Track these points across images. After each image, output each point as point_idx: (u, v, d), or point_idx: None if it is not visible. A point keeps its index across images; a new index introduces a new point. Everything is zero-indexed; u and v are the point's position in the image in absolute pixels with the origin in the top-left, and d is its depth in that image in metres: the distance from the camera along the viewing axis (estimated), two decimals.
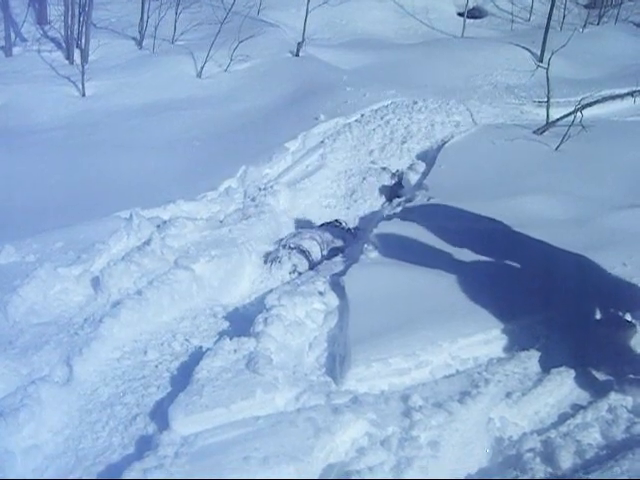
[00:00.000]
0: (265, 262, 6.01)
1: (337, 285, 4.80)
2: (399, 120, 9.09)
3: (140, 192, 7.34)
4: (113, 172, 8.08)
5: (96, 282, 5.23)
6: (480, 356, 4.05)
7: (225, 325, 4.91)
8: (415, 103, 9.62)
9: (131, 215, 6.07)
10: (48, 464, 3.64)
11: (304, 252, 6.05)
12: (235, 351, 4.03)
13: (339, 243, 6.54)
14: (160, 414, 3.77)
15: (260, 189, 7.75)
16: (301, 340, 4.31)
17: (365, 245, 5.37)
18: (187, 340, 4.66)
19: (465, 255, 4.92)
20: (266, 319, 4.27)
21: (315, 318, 4.50)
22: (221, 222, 6.67)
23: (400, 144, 8.62)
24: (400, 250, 5.14)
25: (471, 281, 4.57)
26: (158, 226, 6.11)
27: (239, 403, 3.57)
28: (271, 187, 7.72)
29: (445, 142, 8.27)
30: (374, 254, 5.16)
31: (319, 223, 7.13)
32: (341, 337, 4.25)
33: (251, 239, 6.16)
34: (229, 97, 11.35)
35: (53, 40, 13.74)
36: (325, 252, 6.30)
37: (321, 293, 4.72)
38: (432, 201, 6.37)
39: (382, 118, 9.22)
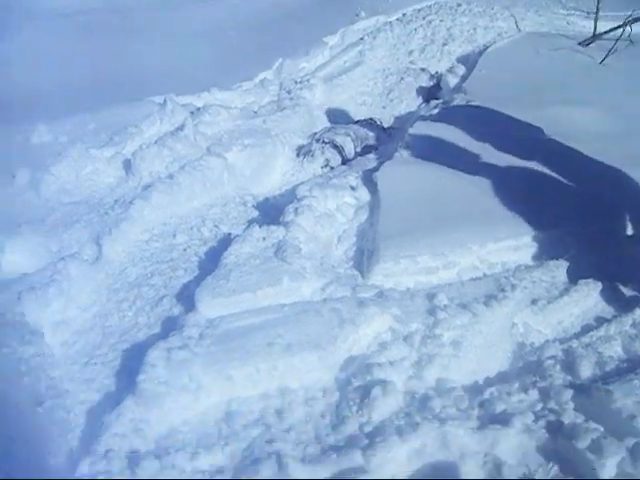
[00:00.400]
0: (298, 155, 5.95)
1: (369, 181, 4.75)
2: (441, 22, 8.83)
3: (175, 79, 7.23)
4: (149, 57, 7.96)
5: (128, 164, 5.23)
6: (508, 262, 4.03)
7: (255, 214, 4.89)
8: (459, 5, 9.31)
9: (165, 100, 6.00)
10: (75, 339, 3.71)
11: (337, 147, 5.97)
12: (264, 239, 4.04)
13: (373, 141, 6.45)
14: (187, 296, 3.81)
15: (296, 82, 7.63)
16: (330, 232, 4.30)
17: (400, 143, 5.29)
18: (216, 226, 4.67)
19: (502, 160, 4.85)
20: (296, 209, 4.25)
21: (345, 212, 4.48)
22: (255, 113, 6.60)
23: (441, 46, 8.39)
24: (435, 151, 5.06)
25: (506, 187, 4.50)
26: (192, 113, 6.05)
27: (265, 289, 3.59)
28: (307, 81, 7.59)
29: (487, 47, 8.04)
30: (408, 153, 5.09)
31: (354, 120, 7.01)
32: (370, 232, 4.24)
33: (285, 131, 6.09)
34: None
35: None
36: (359, 149, 6.22)
37: (353, 188, 4.69)
38: (471, 104, 6.24)
39: (424, 18, 8.96)
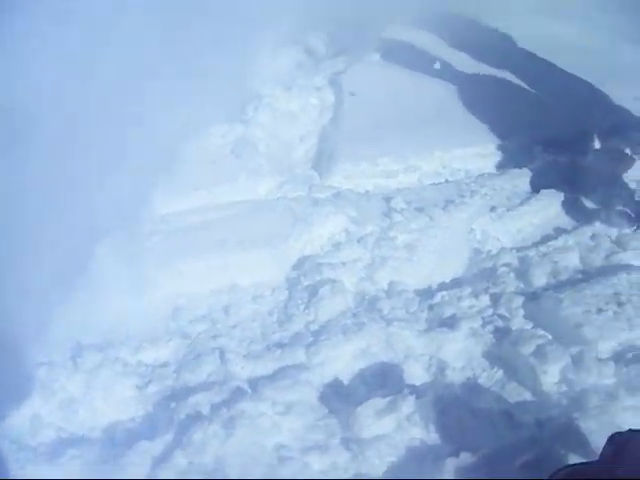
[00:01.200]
0: None
1: (336, 83, 4.64)
2: None
3: None
4: None
5: None
6: (472, 169, 4.01)
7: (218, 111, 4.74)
8: None
9: None
10: None
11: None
12: (222, 136, 3.94)
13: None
14: (142, 193, 3.71)
15: None
16: (292, 132, 4.22)
17: (369, 46, 5.15)
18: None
19: (473, 68, 4.77)
20: (257, 107, 4.14)
21: (310, 112, 4.39)
22: None
23: None
24: (406, 55, 4.96)
25: (477, 95, 4.43)
26: None
27: (221, 187, 3.53)
28: None
29: None
30: (378, 56, 4.97)
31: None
32: (333, 133, 4.16)
33: None
34: None
35: None
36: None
37: (318, 89, 4.57)
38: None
39: None
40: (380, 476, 2.26)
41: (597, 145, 4.15)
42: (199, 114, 4.38)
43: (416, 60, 4.83)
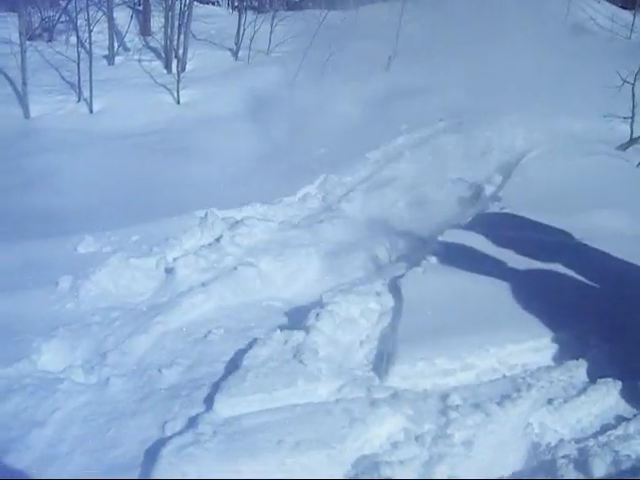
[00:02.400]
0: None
1: (395, 287, 4.88)
2: (481, 132, 9.09)
3: (219, 194, 7.60)
4: (197, 174, 8.42)
5: (165, 273, 5.48)
6: (529, 363, 4.08)
7: (282, 319, 5.02)
8: (498, 116, 9.60)
9: (206, 214, 6.31)
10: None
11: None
12: (285, 342, 4.17)
13: (408, 250, 6.61)
14: (207, 394, 3.93)
15: (338, 196, 7.88)
16: (352, 337, 4.40)
17: (428, 250, 5.43)
18: (243, 329, 4.80)
19: (525, 264, 4.97)
20: (318, 314, 4.38)
21: (369, 317, 4.60)
22: (294, 226, 6.83)
23: (479, 156, 8.62)
24: (461, 257, 5.20)
25: (527, 289, 4.59)
26: (231, 225, 6.32)
27: (281, 390, 3.70)
28: (348, 194, 7.84)
29: (524, 156, 8.23)
30: (435, 259, 5.22)
31: (390, 230, 7.18)
32: (391, 335, 4.33)
33: (320, 241, 6.28)
34: (318, 107, 11.52)
35: (153, 50, 14.40)
36: (394, 257, 6.37)
37: (378, 294, 4.81)
38: (503, 211, 6.39)
39: (464, 131, 9.24)
40: None
41: None
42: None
43: (470, 261, 5.05)
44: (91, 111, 11.51)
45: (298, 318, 4.74)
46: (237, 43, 14.01)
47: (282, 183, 8.13)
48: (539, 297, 4.49)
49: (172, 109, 11.82)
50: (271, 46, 13.99)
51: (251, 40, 13.59)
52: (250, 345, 4.29)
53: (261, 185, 8.03)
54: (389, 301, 4.75)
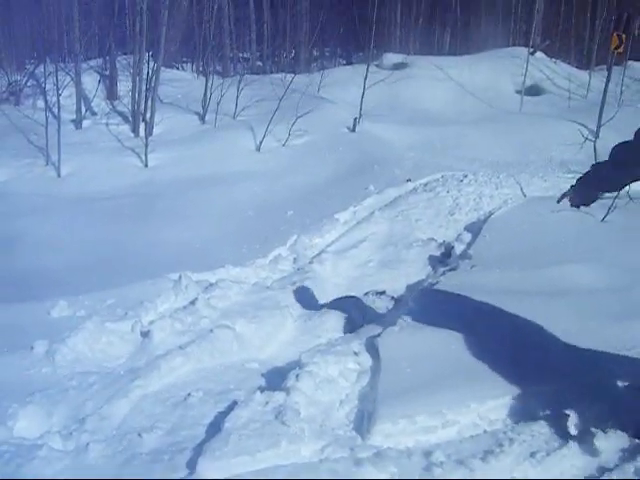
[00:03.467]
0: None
1: (372, 346, 4.91)
2: (448, 192, 9.28)
3: (191, 257, 7.61)
4: (168, 238, 8.41)
5: (141, 337, 5.43)
6: (509, 417, 4.09)
7: (260, 380, 5.00)
8: (465, 176, 9.81)
9: (180, 277, 6.31)
10: None
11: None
12: (266, 403, 4.15)
13: (382, 310, 6.65)
14: (189, 458, 3.89)
15: (309, 257, 7.94)
16: (332, 397, 4.39)
17: (402, 309, 5.48)
18: (220, 392, 4.76)
19: (499, 320, 5.02)
20: (298, 375, 4.38)
21: (348, 376, 4.60)
22: (267, 287, 6.87)
23: (448, 215, 8.76)
24: (435, 315, 5.24)
25: (503, 344, 4.64)
26: (205, 288, 6.32)
27: (264, 452, 3.67)
28: (319, 255, 7.90)
29: (492, 214, 8.39)
30: (410, 318, 5.26)
31: (364, 292, 7.24)
32: (371, 394, 4.34)
33: (294, 303, 6.31)
34: (286, 171, 11.70)
35: (120, 114, 14.47)
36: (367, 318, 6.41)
37: (356, 353, 4.83)
38: (473, 270, 6.49)
39: (432, 190, 9.42)
40: None
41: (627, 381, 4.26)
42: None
43: (444, 319, 5.09)
44: (59, 175, 11.46)
45: (276, 379, 4.73)
46: (204, 107, 14.12)
47: (253, 245, 8.18)
48: (516, 352, 4.54)
49: (140, 172, 11.82)
50: (237, 110, 14.12)
51: (218, 104, 13.71)
52: (230, 407, 4.27)
53: (233, 247, 8.07)
54: (367, 360, 4.77)
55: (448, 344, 4.73)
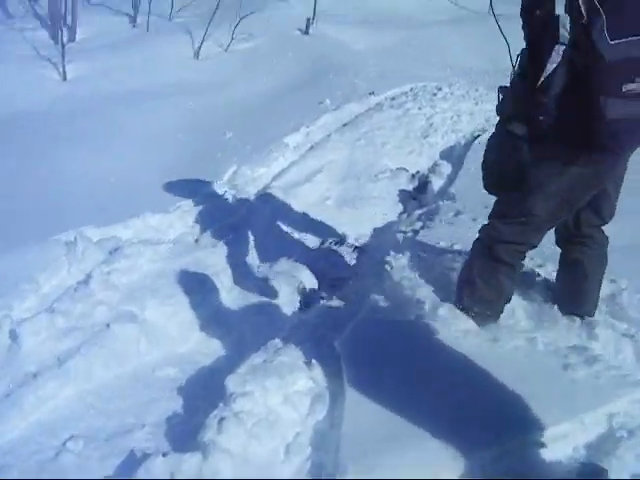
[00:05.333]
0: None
1: (330, 353, 3.47)
2: (420, 109, 7.70)
3: (101, 199, 6.00)
4: (79, 171, 6.74)
5: (10, 340, 3.85)
6: None
7: (177, 402, 3.54)
8: (439, 89, 8.22)
9: (75, 239, 4.72)
10: None
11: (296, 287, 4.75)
12: (171, 475, 2.70)
13: (342, 270, 5.22)
14: None
15: (251, 195, 6.41)
16: (274, 444, 2.97)
17: (372, 292, 4.04)
18: (113, 437, 3.26)
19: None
20: (221, 420, 2.91)
21: (297, 405, 3.16)
22: (196, 242, 5.34)
23: (421, 138, 7.21)
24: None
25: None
26: (110, 253, 4.76)
27: None
28: (264, 192, 6.37)
29: (475, 137, 6.89)
30: (386, 304, 3.83)
31: (319, 241, 5.78)
32: (331, 438, 2.94)
33: (226, 267, 4.83)
34: (227, 81, 9.95)
35: (39, 17, 12.49)
36: (323, 285, 4.99)
37: (307, 364, 3.38)
38: (459, 218, 5.05)
39: (400, 107, 7.82)
40: None
41: None
42: None
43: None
44: None
45: (198, 395, 3.34)
46: (135, 7, 12.26)
47: (180, 180, 6.60)
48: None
49: (58, 87, 10.00)
50: (173, 10, 12.32)
51: (150, 3, 11.84)
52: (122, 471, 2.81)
53: (154, 184, 6.46)
54: (323, 376, 3.33)
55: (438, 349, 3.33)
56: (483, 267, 3.36)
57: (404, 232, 5.24)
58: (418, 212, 5.64)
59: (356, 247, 5.70)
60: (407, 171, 6.73)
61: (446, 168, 6.34)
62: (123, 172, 6.89)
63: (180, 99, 9.22)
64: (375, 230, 6.00)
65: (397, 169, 6.77)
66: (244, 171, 6.80)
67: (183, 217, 5.77)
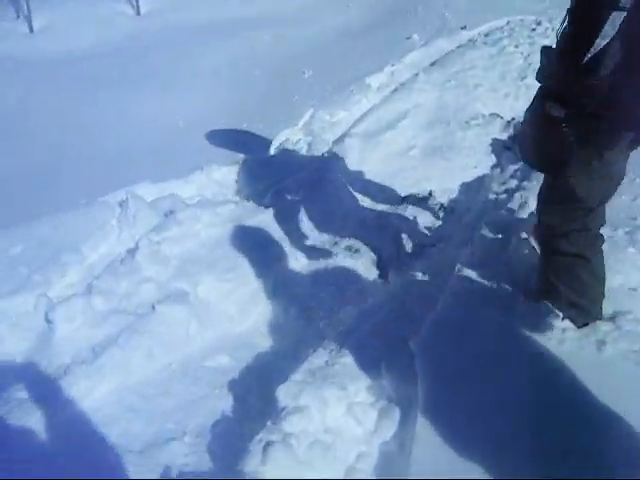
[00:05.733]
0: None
1: (403, 354, 2.92)
2: (516, 47, 6.87)
3: (163, 152, 5.53)
4: (143, 119, 6.30)
5: (46, 322, 3.43)
6: None
7: (226, 401, 3.09)
8: (538, 23, 7.33)
9: (127, 199, 4.26)
10: None
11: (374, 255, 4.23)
12: None
13: (426, 234, 4.64)
14: None
15: (328, 143, 5.84)
16: (331, 471, 2.48)
17: (460, 267, 3.44)
18: (151, 446, 2.84)
19: None
20: (267, 447, 2.42)
21: (361, 419, 2.66)
22: (261, 207, 4.79)
23: (518, 80, 6.43)
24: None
25: None
26: (165, 215, 4.29)
27: None
28: (342, 140, 5.79)
29: None
30: (473, 286, 3.25)
31: (400, 196, 5.20)
32: (399, 464, 2.44)
33: (296, 230, 4.32)
34: (305, 15, 9.25)
35: None
36: (405, 251, 4.42)
37: (375, 368, 2.86)
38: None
39: (495, 44, 7.02)
40: None
41: None
42: None
43: None
44: (31, 30, 9.28)
45: (251, 386, 2.88)
46: None
47: (251, 126, 6.08)
48: None
49: (130, 22, 9.56)
50: None
51: None
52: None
53: (223, 130, 5.96)
54: (394, 380, 2.81)
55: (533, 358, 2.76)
56: (556, 268, 2.76)
57: (497, 193, 4.60)
58: (513, 167, 4.96)
59: (442, 206, 5.09)
60: (502, 118, 6.00)
61: None
62: (191, 115, 6.42)
63: (255, 34, 8.62)
64: (465, 186, 5.35)
65: (490, 115, 6.05)
66: (322, 115, 6.22)
67: (252, 170, 5.26)
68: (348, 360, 2.87)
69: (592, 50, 2.02)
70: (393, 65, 7.04)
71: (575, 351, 2.72)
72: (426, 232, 4.72)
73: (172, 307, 3.44)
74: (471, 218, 4.61)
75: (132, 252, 3.83)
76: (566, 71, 2.14)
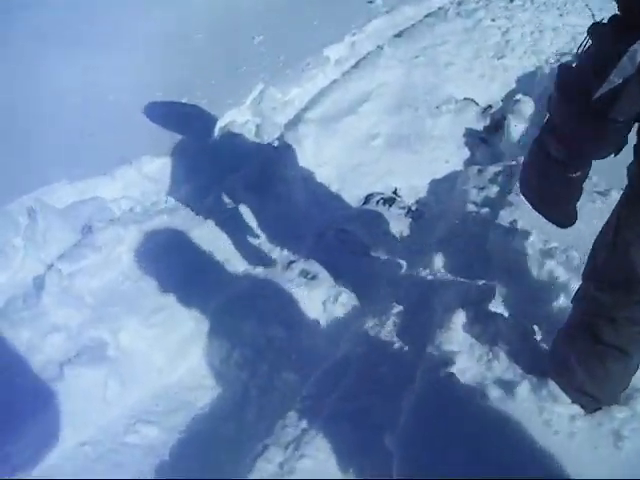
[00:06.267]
0: None
1: (378, 451, 2.29)
2: (493, 21, 6.18)
3: (85, 139, 4.71)
4: (64, 91, 5.43)
5: None
6: None
7: None
8: None
9: (35, 209, 3.48)
10: None
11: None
12: None
13: (389, 256, 4.01)
14: None
15: (279, 126, 5.14)
16: None
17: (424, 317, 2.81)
18: None
19: None
20: None
21: None
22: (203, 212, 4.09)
23: (494, 59, 5.76)
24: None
25: None
26: (83, 231, 3.53)
27: None
28: (294, 125, 5.08)
29: (560, 60, 5.48)
30: (449, 347, 2.60)
31: (362, 195, 4.57)
32: None
33: (239, 250, 3.64)
34: None
35: None
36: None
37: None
38: None
39: (469, 16, 6.30)
40: None
41: None
42: None
43: None
44: None
45: None
46: None
47: (189, 106, 5.33)
48: None
49: None
50: None
51: None
52: None
53: (158, 110, 5.18)
54: None
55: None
56: (584, 351, 2.11)
57: (475, 203, 3.95)
58: (493, 169, 4.29)
59: (410, 209, 4.48)
60: (476, 104, 5.33)
61: (527, 106, 4.90)
62: (124, 86, 5.60)
63: None
64: (434, 183, 4.75)
65: (464, 100, 5.38)
66: (273, 93, 5.46)
67: (191, 162, 4.54)
68: (308, 463, 2.21)
69: (605, 87, 1.51)
70: (354, 34, 6.28)
71: (587, 448, 2.13)
72: (391, 248, 4.08)
73: (85, 368, 2.72)
74: (444, 232, 3.96)
75: (38, 288, 3.07)
76: (579, 109, 1.60)
